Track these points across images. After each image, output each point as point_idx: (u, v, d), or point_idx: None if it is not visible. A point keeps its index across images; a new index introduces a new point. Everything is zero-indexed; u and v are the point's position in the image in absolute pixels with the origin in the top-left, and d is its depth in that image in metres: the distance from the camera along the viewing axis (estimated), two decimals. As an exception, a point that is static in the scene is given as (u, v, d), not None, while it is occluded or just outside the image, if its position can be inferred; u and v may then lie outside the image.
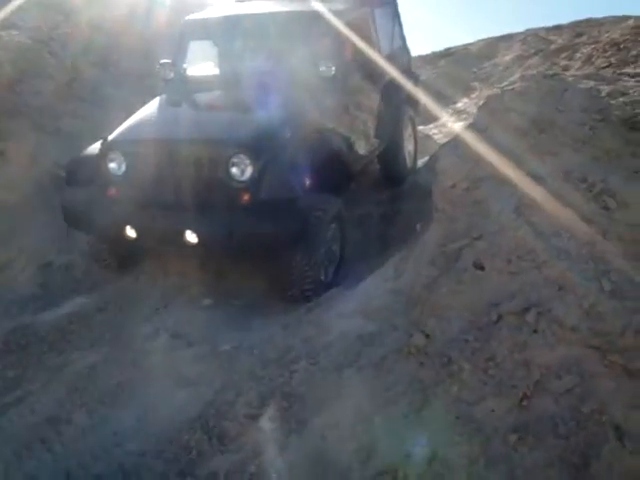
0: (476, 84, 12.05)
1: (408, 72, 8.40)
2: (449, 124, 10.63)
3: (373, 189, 7.84)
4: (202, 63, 6.96)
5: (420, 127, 10.68)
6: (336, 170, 5.77)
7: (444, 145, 6.14)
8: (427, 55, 14.83)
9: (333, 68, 5.88)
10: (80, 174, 5.60)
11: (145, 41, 9.42)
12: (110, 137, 5.43)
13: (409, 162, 8.14)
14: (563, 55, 10.82)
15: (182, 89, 6.44)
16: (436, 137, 10.07)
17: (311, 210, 5.06)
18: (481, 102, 6.09)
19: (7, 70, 7.87)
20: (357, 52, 6.62)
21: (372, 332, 4.14)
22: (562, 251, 3.71)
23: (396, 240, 5.94)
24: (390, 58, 7.64)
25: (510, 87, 5.54)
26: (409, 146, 8.19)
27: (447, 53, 14.61)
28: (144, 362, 4.54)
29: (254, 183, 4.94)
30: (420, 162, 8.54)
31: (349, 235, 5.83)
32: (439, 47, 15.12)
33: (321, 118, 5.78)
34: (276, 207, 4.89)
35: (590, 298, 3.40)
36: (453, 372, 3.43)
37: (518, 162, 4.37)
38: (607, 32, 10.09)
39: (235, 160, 4.94)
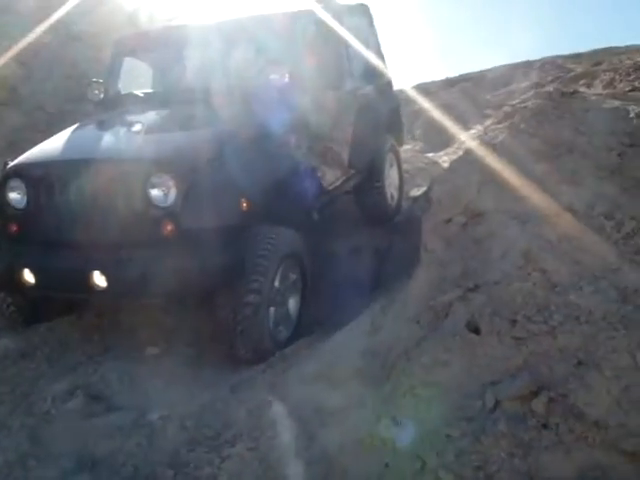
0: (490, 111, 11.35)
1: (388, 95, 7.46)
2: (459, 152, 9.85)
3: (357, 224, 6.87)
4: (138, 82, 6.18)
5: (430, 154, 10.06)
6: (290, 198, 4.76)
7: (441, 172, 5.29)
8: (441, 81, 14.37)
9: (286, 76, 4.96)
10: None
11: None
12: (11, 163, 4.55)
13: (391, 200, 7.05)
14: (582, 82, 10.22)
15: (111, 110, 5.53)
16: (444, 164, 9.27)
17: (251, 242, 4.16)
18: (489, 122, 5.27)
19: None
20: (318, 62, 5.66)
21: (333, 407, 3.27)
22: (583, 311, 2.91)
23: (381, 283, 5.04)
24: (364, 76, 6.75)
25: (522, 105, 4.73)
26: (391, 180, 7.13)
27: (462, 79, 14.16)
28: (44, 433, 3.63)
29: (178, 209, 3.97)
30: (421, 190, 7.65)
31: (319, 277, 4.88)
32: (455, 73, 14.69)
33: (269, 134, 4.79)
34: (204, 238, 3.95)
35: (622, 379, 2.55)
36: (426, 484, 2.51)
37: (529, 193, 3.64)
38: (628, 59, 9.48)
39: (155, 180, 3.99)
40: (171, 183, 3.98)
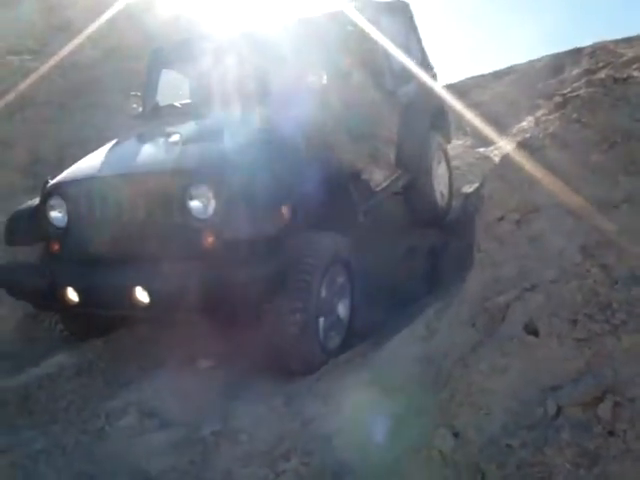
0: (541, 101, 11.06)
1: (433, 92, 7.16)
2: (511, 145, 9.63)
3: (411, 224, 6.75)
4: (177, 94, 6.14)
5: (481, 149, 9.87)
6: (334, 201, 4.59)
7: (492, 168, 5.11)
8: (489, 74, 14.09)
9: (324, 77, 4.86)
10: (21, 230, 4.67)
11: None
12: (51, 181, 4.50)
13: (441, 199, 6.82)
14: (635, 66, 9.81)
15: (150, 123, 5.52)
16: (496, 159, 9.05)
17: (294, 252, 4.02)
18: (539, 114, 5.08)
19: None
20: (356, 62, 5.54)
21: (390, 416, 3.14)
22: (650, 307, 2.69)
23: (436, 285, 4.90)
24: (406, 75, 6.58)
25: (574, 94, 4.53)
26: (441, 180, 6.91)
27: (510, 71, 13.82)
28: (98, 451, 3.59)
29: (218, 220, 3.86)
30: (474, 187, 7.46)
31: (370, 282, 4.75)
32: (502, 65, 14.33)
33: (308, 138, 4.64)
34: (246, 249, 3.81)
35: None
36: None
37: (584, 186, 3.46)
38: (686, 41, 9.12)
39: (194, 192, 3.90)
40: (210, 194, 3.88)
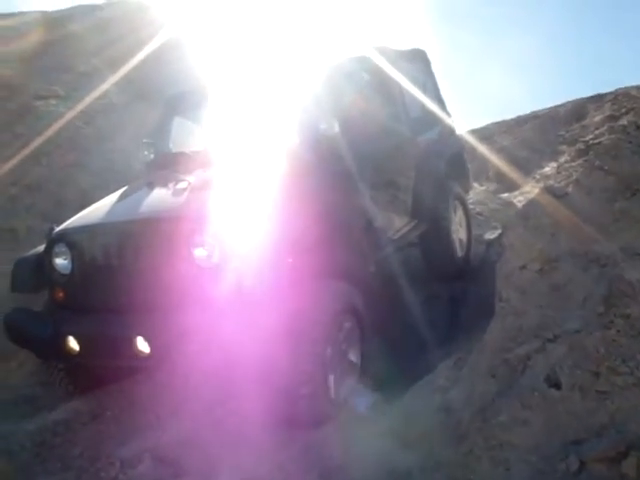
0: (564, 147, 11.02)
1: (450, 140, 7.11)
2: (534, 190, 9.56)
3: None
4: (190, 141, 6.06)
5: (504, 195, 9.81)
6: (342, 251, 4.47)
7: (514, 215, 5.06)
8: (512, 119, 14.09)
9: (336, 125, 4.70)
10: (26, 277, 4.61)
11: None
12: (57, 228, 4.46)
13: (459, 252, 6.51)
14: None
15: (160, 170, 5.31)
16: (520, 205, 8.99)
17: (302, 303, 3.85)
18: (562, 160, 5.05)
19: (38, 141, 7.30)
20: (373, 108, 5.48)
21: (408, 469, 3.10)
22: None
23: (456, 334, 4.83)
24: (423, 122, 6.49)
25: (597, 141, 4.51)
26: (459, 231, 6.64)
27: (533, 116, 13.81)
28: (108, 502, 3.54)
29: (223, 269, 3.73)
30: (497, 233, 7.37)
31: (388, 330, 4.68)
32: (525, 111, 14.33)
33: (322, 187, 4.54)
34: (251, 299, 3.64)
35: None
36: None
37: (607, 234, 3.35)
38: None
39: (199, 240, 3.79)
40: (215, 242, 3.77)
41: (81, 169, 7.61)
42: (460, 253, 6.46)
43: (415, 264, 6.44)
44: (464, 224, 6.82)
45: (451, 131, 7.23)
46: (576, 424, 2.61)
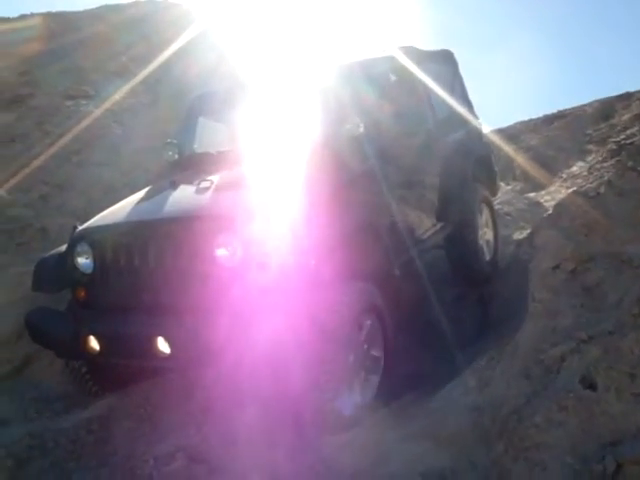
0: (591, 146, 10.93)
1: (477, 142, 7.07)
2: (562, 190, 9.52)
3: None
4: (215, 142, 6.03)
5: (531, 194, 9.76)
6: (365, 253, 4.42)
7: (545, 215, 5.02)
8: (538, 118, 13.99)
9: (361, 125, 4.68)
10: (48, 276, 4.57)
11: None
12: (79, 227, 4.45)
13: (486, 255, 6.47)
14: None
15: (185, 171, 5.25)
16: (547, 204, 8.94)
17: (325, 303, 3.81)
18: (593, 160, 5.01)
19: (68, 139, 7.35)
20: (400, 109, 5.41)
21: (442, 468, 3.10)
22: None
23: (485, 334, 4.81)
24: (449, 124, 6.44)
25: (629, 141, 4.48)
26: (485, 234, 6.59)
27: (560, 115, 13.70)
28: (144, 499, 3.57)
29: (245, 270, 3.69)
30: (525, 233, 7.32)
31: (416, 331, 4.67)
32: (552, 110, 14.23)
33: (347, 187, 4.49)
34: (273, 301, 3.58)
35: None
36: None
37: None
38: None
39: (222, 240, 3.76)
40: (238, 242, 3.73)
41: (111, 168, 7.65)
42: (486, 258, 6.40)
43: (443, 265, 6.42)
44: (491, 228, 6.76)
45: (478, 133, 7.19)
46: (612, 426, 2.60)
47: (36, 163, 7.25)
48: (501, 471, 2.70)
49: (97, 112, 8.32)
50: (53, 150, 7.50)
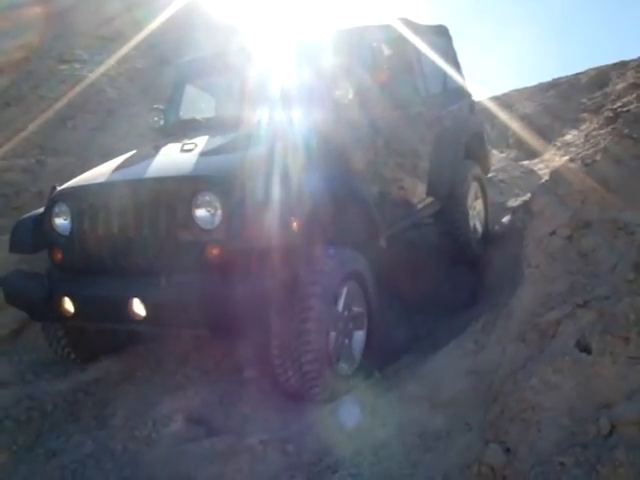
0: (586, 115, 10.92)
1: (470, 118, 7.08)
2: (556, 158, 9.55)
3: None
4: (201, 108, 6.03)
5: (525, 162, 9.81)
6: (350, 221, 4.39)
7: (542, 182, 5.04)
8: (534, 86, 13.97)
9: (350, 91, 4.62)
10: (25, 238, 4.52)
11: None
12: (58, 187, 4.39)
13: (475, 233, 6.49)
14: None
15: (171, 136, 5.24)
16: (541, 172, 8.97)
17: (303, 267, 3.80)
18: (590, 128, 5.03)
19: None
20: (387, 80, 5.24)
21: (438, 430, 3.16)
22: None
23: (481, 298, 4.86)
24: (442, 98, 6.47)
25: (625, 109, 4.49)
26: (476, 213, 6.63)
27: (555, 83, 13.70)
28: (146, 457, 3.61)
29: (225, 231, 3.63)
30: (520, 200, 7.36)
31: (410, 295, 4.69)
32: (547, 78, 14.19)
33: (326, 153, 4.38)
34: (253, 262, 3.58)
35: None
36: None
37: (636, 202, 3.32)
38: None
39: (201, 200, 3.70)
40: (217, 203, 3.67)
41: (106, 132, 7.63)
42: (474, 238, 6.41)
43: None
44: (481, 207, 6.77)
45: (471, 109, 7.18)
46: (607, 388, 2.64)
47: (32, 127, 7.22)
48: (497, 432, 2.74)
49: (92, 76, 8.27)
50: (48, 114, 7.46)
